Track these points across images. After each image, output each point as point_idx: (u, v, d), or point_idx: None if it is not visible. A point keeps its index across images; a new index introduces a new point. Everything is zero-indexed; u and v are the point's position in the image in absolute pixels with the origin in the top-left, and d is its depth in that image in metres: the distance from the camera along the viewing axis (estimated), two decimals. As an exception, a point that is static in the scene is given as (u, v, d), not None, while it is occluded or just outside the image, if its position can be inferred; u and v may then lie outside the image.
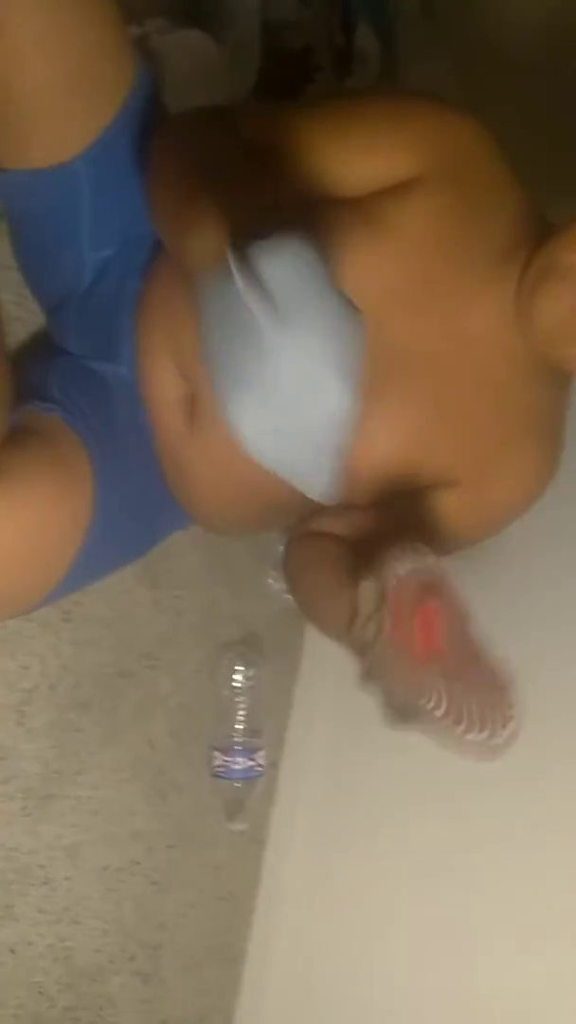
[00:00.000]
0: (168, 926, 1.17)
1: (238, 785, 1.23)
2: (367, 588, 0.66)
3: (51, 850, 1.01)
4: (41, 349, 0.96)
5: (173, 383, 0.86)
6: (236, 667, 1.25)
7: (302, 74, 1.33)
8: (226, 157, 0.75)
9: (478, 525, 0.86)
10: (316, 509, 0.91)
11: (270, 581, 1.35)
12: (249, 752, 1.24)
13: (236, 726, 1.25)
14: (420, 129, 0.79)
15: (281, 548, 1.36)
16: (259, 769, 1.24)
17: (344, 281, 0.75)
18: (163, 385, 0.86)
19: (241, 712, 1.25)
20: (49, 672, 1.01)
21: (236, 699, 1.25)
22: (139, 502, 0.90)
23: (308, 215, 0.71)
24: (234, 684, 1.25)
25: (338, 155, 0.78)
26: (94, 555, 0.82)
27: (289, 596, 1.37)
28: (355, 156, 0.78)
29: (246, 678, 1.26)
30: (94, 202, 0.85)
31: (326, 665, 1.40)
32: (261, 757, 1.25)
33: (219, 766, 1.22)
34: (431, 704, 0.61)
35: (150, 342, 0.87)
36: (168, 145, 0.80)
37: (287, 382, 0.63)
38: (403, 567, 0.65)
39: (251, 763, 1.23)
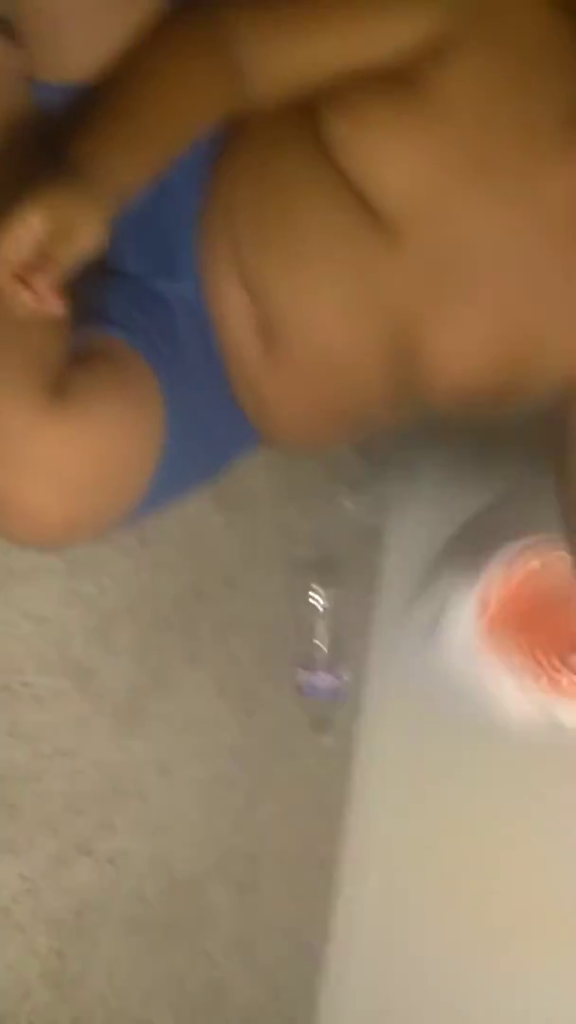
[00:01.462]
0: (262, 837, 1.20)
1: (322, 701, 1.24)
2: None
3: (143, 765, 1.04)
4: (97, 272, 0.96)
5: (242, 300, 0.84)
6: (314, 587, 1.26)
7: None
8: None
9: None
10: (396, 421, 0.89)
11: (345, 503, 1.35)
12: (332, 669, 1.25)
13: (319, 644, 1.26)
14: None
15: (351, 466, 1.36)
16: (343, 687, 1.25)
17: (398, 170, 0.72)
18: (232, 303, 0.84)
19: (322, 632, 1.26)
20: (129, 594, 1.03)
21: (316, 619, 1.26)
22: (210, 422, 0.89)
23: None
24: (314, 603, 1.26)
25: (348, 20, 0.74)
26: (167, 477, 0.82)
27: (365, 515, 1.37)
28: (369, 17, 0.74)
29: (325, 597, 1.26)
30: None
31: (405, 584, 1.40)
32: (345, 676, 1.26)
33: (304, 684, 1.24)
34: None
35: (215, 258, 0.85)
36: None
37: None
38: None
39: (335, 680, 1.25)
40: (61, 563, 0.95)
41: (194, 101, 0.76)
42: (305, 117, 0.78)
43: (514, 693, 1.00)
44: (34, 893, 0.94)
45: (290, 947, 1.22)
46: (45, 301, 0.64)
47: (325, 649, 1.26)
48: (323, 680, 1.24)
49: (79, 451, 0.73)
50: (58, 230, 0.64)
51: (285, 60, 0.76)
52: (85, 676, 0.98)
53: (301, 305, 0.79)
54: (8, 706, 0.91)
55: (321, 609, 1.26)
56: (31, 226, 0.62)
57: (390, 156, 0.73)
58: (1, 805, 0.90)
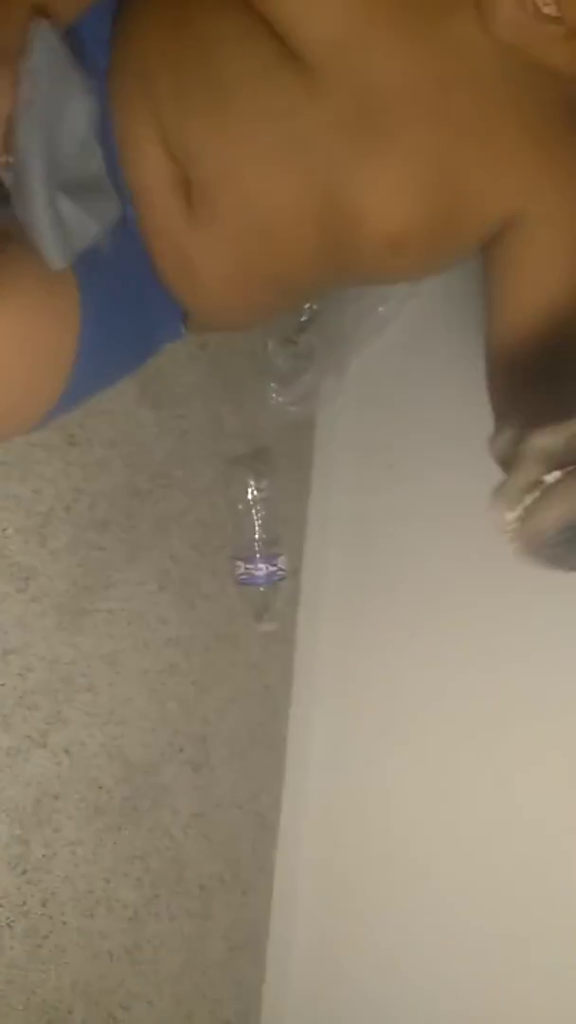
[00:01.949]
0: (211, 720, 1.25)
1: (263, 590, 1.28)
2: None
3: (90, 659, 1.07)
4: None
5: (163, 166, 0.81)
6: (248, 480, 1.28)
7: None
8: None
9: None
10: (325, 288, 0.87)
11: (273, 395, 1.36)
12: (270, 559, 1.28)
13: (255, 536, 1.28)
14: None
15: (279, 360, 1.36)
16: (281, 573, 1.29)
17: (321, 13, 0.71)
18: (150, 164, 0.82)
19: (258, 523, 1.29)
20: (62, 495, 1.04)
21: (252, 511, 1.29)
22: (132, 308, 0.87)
23: None
24: (249, 497, 1.28)
25: None
26: (90, 366, 0.81)
27: (294, 408, 1.38)
28: None
29: (259, 490, 1.28)
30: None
31: (336, 473, 1.43)
32: (282, 562, 1.29)
33: (242, 574, 1.27)
34: None
35: (130, 119, 0.82)
36: None
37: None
38: None
39: (273, 568, 1.28)
40: (-9, 465, 0.95)
41: None
42: None
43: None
44: (-8, 786, 0.98)
45: (245, 820, 1.28)
46: None
47: (261, 539, 1.29)
48: (260, 569, 1.27)
49: None
50: None
51: None
52: (26, 577, 0.99)
53: (224, 156, 0.78)
54: (-51, 609, 0.92)
55: (255, 500, 1.29)
56: None
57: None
58: (-47, 704, 0.93)
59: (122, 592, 1.11)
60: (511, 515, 0.57)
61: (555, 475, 0.56)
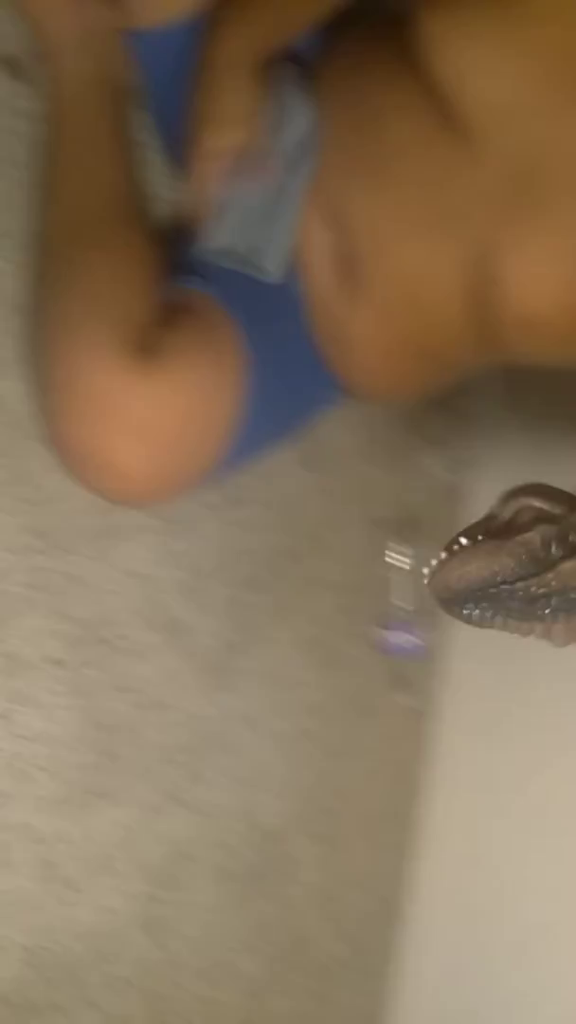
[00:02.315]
0: (343, 792, 1.22)
1: (402, 660, 1.25)
2: None
3: (231, 719, 1.06)
4: (187, 227, 0.95)
5: (324, 239, 0.83)
6: (396, 546, 1.26)
7: None
8: None
9: None
10: (477, 366, 0.87)
11: (427, 461, 1.34)
12: (414, 629, 1.25)
13: (399, 604, 1.26)
14: None
15: (434, 425, 1.35)
16: (422, 645, 1.25)
17: (486, 72, 0.71)
18: (315, 241, 0.83)
19: (403, 590, 1.26)
20: (220, 553, 1.04)
21: (397, 577, 1.26)
22: (293, 376, 0.89)
23: None
24: (395, 563, 1.26)
25: None
26: (250, 433, 0.82)
27: (449, 474, 1.36)
28: None
29: (406, 556, 1.26)
30: None
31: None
32: (426, 635, 1.26)
33: (384, 642, 1.24)
34: None
35: None
36: None
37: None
38: None
39: (414, 639, 1.25)
40: (159, 523, 0.96)
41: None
42: (395, 26, 0.76)
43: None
44: (130, 841, 0.97)
45: (371, 902, 1.24)
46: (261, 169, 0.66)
47: (405, 608, 1.26)
48: (402, 638, 1.24)
49: (164, 408, 0.73)
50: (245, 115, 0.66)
51: None
52: (178, 632, 1.00)
53: (380, 228, 0.78)
54: (109, 659, 0.93)
55: (402, 567, 1.26)
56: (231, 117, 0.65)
57: (480, 59, 0.71)
58: (103, 754, 0.93)
59: (266, 652, 1.10)
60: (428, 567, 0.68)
61: (464, 541, 0.66)
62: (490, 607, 0.70)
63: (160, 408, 0.73)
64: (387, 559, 1.26)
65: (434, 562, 0.70)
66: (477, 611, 0.71)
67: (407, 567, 1.27)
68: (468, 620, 0.70)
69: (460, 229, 0.76)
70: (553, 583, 0.67)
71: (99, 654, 0.92)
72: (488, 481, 1.39)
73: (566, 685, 1.25)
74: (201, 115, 0.64)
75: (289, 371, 0.88)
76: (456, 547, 0.68)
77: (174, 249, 0.86)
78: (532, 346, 0.79)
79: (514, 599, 0.68)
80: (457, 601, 0.70)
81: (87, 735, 0.92)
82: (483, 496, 1.39)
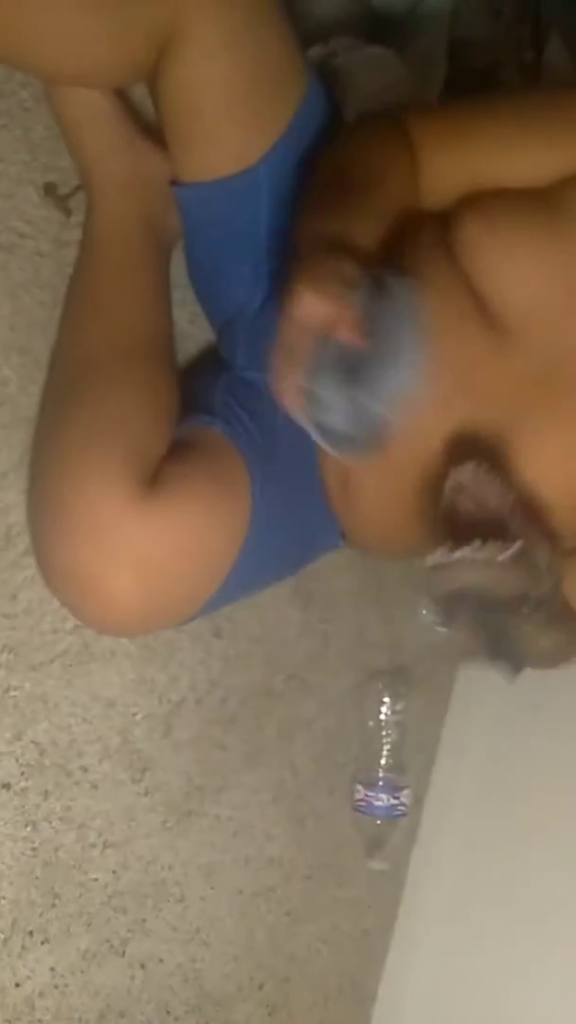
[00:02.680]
0: (299, 959, 1.14)
1: (379, 823, 1.18)
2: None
3: (188, 867, 1.00)
4: (208, 365, 0.97)
5: None
6: (384, 698, 1.21)
7: (488, 91, 1.29)
8: (376, 177, 0.77)
9: None
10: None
11: (423, 612, 1.31)
12: (393, 789, 1.19)
13: (381, 760, 1.20)
14: None
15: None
16: (402, 808, 1.19)
17: (521, 281, 0.72)
18: None
19: (387, 746, 1.21)
20: (198, 686, 1.00)
21: (382, 732, 1.21)
22: (296, 518, 0.89)
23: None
24: (381, 715, 1.21)
25: (515, 145, 0.77)
26: (248, 570, 0.81)
27: (443, 629, 1.33)
28: (535, 145, 0.76)
29: (393, 710, 1.21)
30: (271, 211, 0.85)
31: (477, 703, 1.34)
32: (405, 796, 1.20)
33: (361, 800, 1.18)
34: None
35: None
36: (330, 159, 0.80)
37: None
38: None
39: (394, 801, 1.18)
40: (135, 648, 0.93)
41: (403, 191, 0.79)
42: (439, 216, 0.79)
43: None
44: (61, 989, 0.90)
45: None
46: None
47: (387, 764, 1.20)
48: (381, 800, 1.18)
49: (164, 542, 0.73)
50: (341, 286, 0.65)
51: (453, 168, 0.79)
52: (144, 768, 0.95)
53: None
54: (65, 790, 0.88)
55: (388, 722, 1.21)
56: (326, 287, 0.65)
57: (517, 264, 0.74)
58: (43, 891, 0.87)
59: (234, 798, 1.05)
60: (431, 559, 0.70)
61: (464, 551, 0.67)
62: (489, 617, 0.71)
63: (159, 541, 0.73)
64: (377, 711, 1.21)
65: (455, 555, 0.68)
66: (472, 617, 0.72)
67: (395, 722, 1.22)
68: (460, 624, 0.73)
69: (481, 409, 0.77)
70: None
71: (55, 783, 0.88)
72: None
73: (551, 867, 1.18)
74: (296, 282, 0.64)
75: (293, 511, 0.87)
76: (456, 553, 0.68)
77: (190, 385, 0.87)
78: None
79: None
80: (460, 603, 0.70)
81: (30, 869, 0.87)
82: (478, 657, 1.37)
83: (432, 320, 0.77)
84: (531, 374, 0.76)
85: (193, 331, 0.99)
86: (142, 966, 0.97)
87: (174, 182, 0.86)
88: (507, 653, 0.73)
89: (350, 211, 0.73)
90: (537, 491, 0.75)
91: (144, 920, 0.97)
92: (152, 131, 0.89)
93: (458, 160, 0.79)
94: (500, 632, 0.72)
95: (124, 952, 0.95)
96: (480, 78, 1.29)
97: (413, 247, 0.79)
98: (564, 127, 0.76)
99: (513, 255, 0.75)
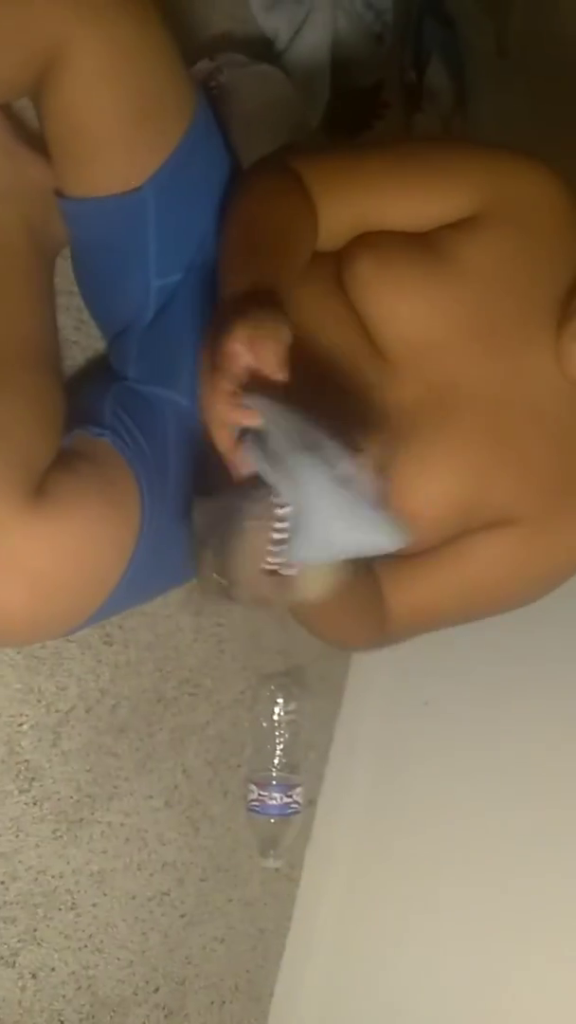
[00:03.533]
0: (195, 960, 1.15)
1: (273, 821, 1.21)
2: None
3: (79, 875, 1.00)
4: (97, 374, 0.97)
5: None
6: (277, 700, 1.24)
7: (370, 110, 1.33)
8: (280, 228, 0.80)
9: (537, 572, 0.84)
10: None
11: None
12: (286, 788, 1.21)
13: (274, 760, 1.23)
14: (485, 170, 0.81)
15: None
16: (295, 807, 1.22)
17: (409, 316, 0.76)
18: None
19: (280, 746, 1.24)
20: (87, 694, 1.01)
21: (275, 732, 1.24)
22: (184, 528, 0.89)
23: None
24: (274, 717, 1.24)
25: (399, 192, 0.81)
26: (138, 579, 0.82)
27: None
28: (416, 192, 0.81)
29: (286, 712, 1.24)
30: (160, 229, 0.86)
31: (369, 702, 1.38)
32: (298, 794, 1.23)
33: (254, 800, 1.20)
34: None
35: None
36: (238, 216, 0.84)
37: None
38: None
39: (288, 799, 1.21)
40: (20, 657, 0.93)
41: (311, 242, 0.83)
42: (332, 256, 0.82)
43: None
44: (-53, 1005, 0.89)
45: None
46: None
47: (280, 764, 1.23)
48: (274, 799, 1.20)
49: (51, 553, 0.73)
50: (266, 337, 0.67)
51: (342, 212, 0.84)
52: (31, 777, 0.95)
53: None
54: (-53, 803, 0.87)
55: (281, 723, 1.24)
56: (243, 338, 0.66)
57: (406, 299, 0.79)
58: None
59: (126, 805, 1.05)
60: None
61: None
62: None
63: (46, 551, 0.72)
64: (270, 714, 1.24)
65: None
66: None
67: (288, 722, 1.25)
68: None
69: (371, 439, 0.80)
70: None
71: None
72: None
73: (440, 855, 1.23)
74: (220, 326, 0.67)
75: (183, 522, 0.88)
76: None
77: (79, 395, 0.87)
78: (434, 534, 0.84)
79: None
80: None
81: None
82: (369, 655, 1.41)
83: (331, 351, 0.80)
84: (412, 402, 0.80)
85: (79, 337, 0.99)
86: (33, 976, 0.97)
87: (59, 193, 0.87)
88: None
89: (271, 267, 0.76)
90: (414, 510, 0.78)
91: (35, 930, 0.97)
92: (36, 140, 0.89)
93: (346, 205, 0.83)
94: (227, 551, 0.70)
95: (14, 963, 0.95)
96: (364, 97, 1.34)
97: (307, 284, 0.82)
98: (439, 182, 0.82)
99: (402, 291, 0.79)
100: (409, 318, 0.79)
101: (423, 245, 0.80)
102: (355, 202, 0.84)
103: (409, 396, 0.81)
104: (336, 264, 0.83)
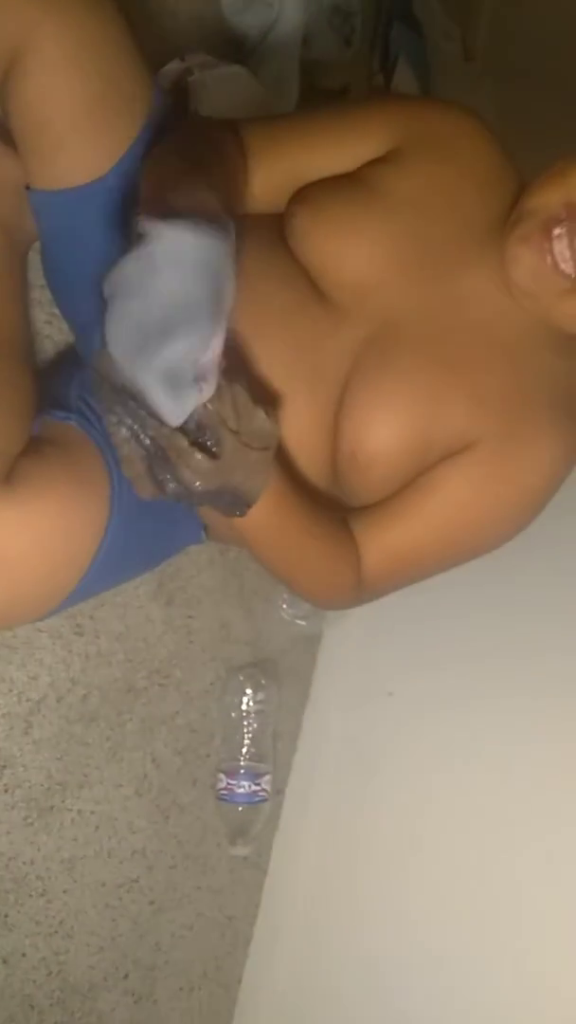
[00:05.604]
0: (164, 947, 1.17)
1: (241, 809, 1.23)
2: None
3: (50, 862, 1.02)
4: (65, 364, 0.98)
5: None
6: (246, 690, 1.26)
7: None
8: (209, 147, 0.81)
9: (505, 493, 0.83)
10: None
11: (283, 607, 1.36)
12: (254, 776, 1.24)
13: (243, 750, 1.25)
14: (401, 108, 0.86)
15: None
16: (263, 795, 1.24)
17: (347, 257, 0.81)
18: None
19: (248, 736, 1.26)
20: (58, 684, 1.02)
21: (244, 722, 1.26)
22: (157, 512, 0.89)
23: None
24: (243, 707, 1.26)
25: (324, 138, 0.85)
26: (108, 563, 0.83)
27: (302, 622, 1.38)
28: (341, 136, 0.85)
29: (255, 701, 1.26)
30: (125, 219, 0.88)
31: (336, 693, 1.40)
32: (266, 782, 1.25)
33: (223, 789, 1.22)
34: None
35: None
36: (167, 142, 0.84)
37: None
38: None
39: (256, 788, 1.23)
40: (-7, 647, 0.95)
41: (237, 166, 0.84)
42: (274, 217, 0.86)
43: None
44: None
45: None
46: None
47: (249, 753, 1.25)
48: (243, 787, 1.23)
49: (22, 537, 0.74)
50: None
51: (275, 167, 0.86)
52: (3, 765, 0.96)
53: (259, 385, 0.82)
54: None
55: (249, 711, 1.26)
56: None
57: (343, 242, 0.82)
58: None
59: (96, 793, 1.07)
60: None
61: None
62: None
63: (16, 535, 0.73)
64: (239, 702, 1.26)
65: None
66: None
67: (256, 712, 1.27)
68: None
69: (324, 389, 0.82)
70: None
71: None
72: (343, 632, 1.42)
73: (405, 840, 1.25)
74: None
75: (153, 506, 0.89)
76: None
77: (48, 384, 0.88)
78: (357, 481, 0.84)
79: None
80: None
81: None
82: (335, 645, 1.43)
83: (281, 307, 0.82)
84: (362, 339, 0.82)
85: (51, 331, 1.01)
86: (4, 961, 0.98)
87: (28, 187, 0.88)
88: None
89: (196, 171, 0.77)
90: (367, 446, 0.80)
91: (6, 915, 0.98)
92: (3, 132, 0.90)
93: (279, 158, 0.86)
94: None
95: (-15, 950, 0.96)
96: (332, 99, 1.36)
97: (252, 246, 0.84)
98: (360, 124, 0.85)
99: (338, 233, 0.81)
100: (348, 259, 0.81)
101: (352, 185, 0.83)
102: (286, 155, 0.86)
103: (359, 337, 0.82)
104: (278, 224, 0.85)
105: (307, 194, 0.84)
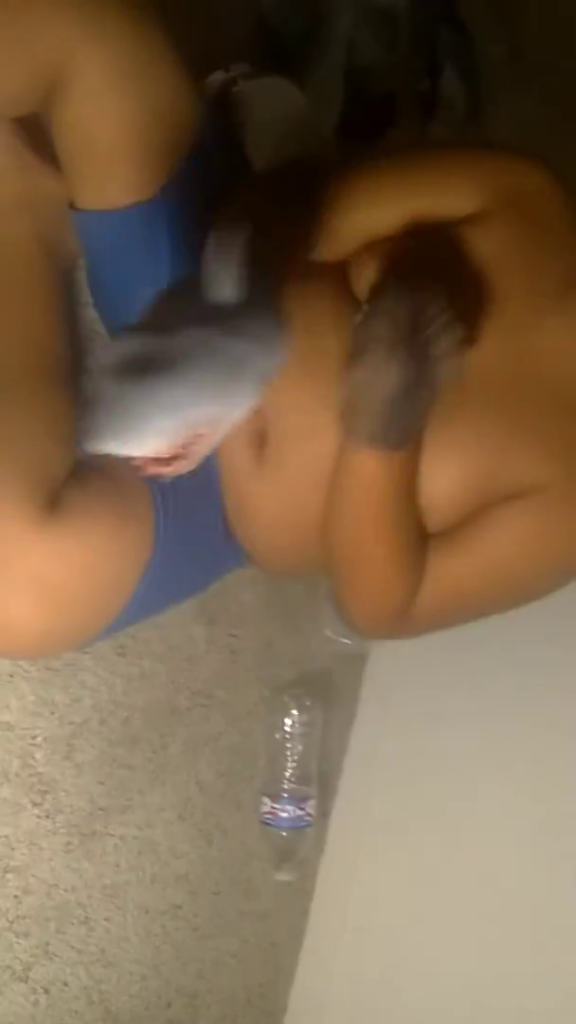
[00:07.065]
0: (207, 975, 1.14)
1: (285, 834, 1.20)
2: None
3: (92, 889, 1.00)
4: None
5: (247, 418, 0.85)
6: (290, 711, 1.23)
7: (384, 119, 1.33)
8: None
9: (561, 542, 0.82)
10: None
11: (327, 631, 1.33)
12: (299, 800, 1.21)
13: (287, 772, 1.22)
14: (489, 170, 0.83)
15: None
16: (308, 819, 1.21)
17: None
18: None
19: (293, 758, 1.23)
20: (101, 706, 1.00)
21: (288, 744, 1.23)
22: (200, 539, 0.89)
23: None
24: (287, 729, 1.23)
25: (410, 193, 0.83)
26: (151, 591, 0.82)
27: (348, 640, 1.35)
28: (426, 194, 0.82)
29: (300, 723, 1.23)
30: (173, 237, 0.86)
31: (383, 714, 1.37)
32: (311, 807, 1.22)
33: (267, 813, 1.20)
34: None
35: None
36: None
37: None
38: None
39: (300, 812, 1.20)
40: (34, 670, 0.93)
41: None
42: (339, 265, 0.84)
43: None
44: (-41, 1021, 0.89)
45: None
46: None
47: (293, 776, 1.22)
48: (287, 811, 1.20)
49: (64, 567, 0.72)
50: None
51: (354, 220, 0.85)
52: (44, 790, 0.94)
53: (303, 420, 0.81)
54: (-39, 816, 0.87)
55: (294, 734, 1.23)
56: None
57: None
58: None
59: (139, 817, 1.05)
60: None
61: None
62: None
63: (59, 565, 0.72)
64: (283, 724, 1.23)
65: None
66: None
67: (301, 734, 1.24)
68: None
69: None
70: None
71: (-48, 809, 0.87)
72: (390, 651, 1.39)
73: (452, 868, 1.22)
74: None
75: (196, 536, 0.88)
76: None
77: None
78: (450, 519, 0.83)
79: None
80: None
81: None
82: (383, 665, 1.40)
83: (332, 349, 0.80)
84: None
85: (92, 349, 0.99)
86: (46, 991, 0.97)
87: (72, 206, 0.87)
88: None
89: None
90: (431, 490, 0.79)
91: (47, 944, 0.96)
92: (49, 152, 0.89)
93: (357, 211, 0.85)
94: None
95: (27, 977, 0.95)
96: (377, 106, 1.33)
97: (317, 296, 0.83)
98: (447, 183, 0.84)
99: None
100: None
101: (430, 244, 0.81)
102: (365, 209, 0.85)
103: None
104: (344, 273, 0.83)
105: (382, 249, 0.82)
